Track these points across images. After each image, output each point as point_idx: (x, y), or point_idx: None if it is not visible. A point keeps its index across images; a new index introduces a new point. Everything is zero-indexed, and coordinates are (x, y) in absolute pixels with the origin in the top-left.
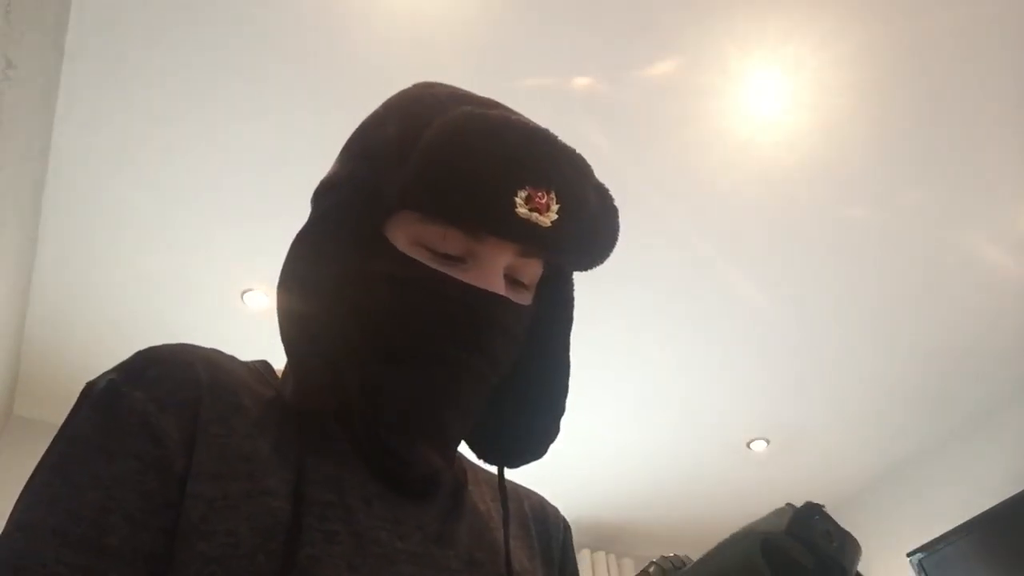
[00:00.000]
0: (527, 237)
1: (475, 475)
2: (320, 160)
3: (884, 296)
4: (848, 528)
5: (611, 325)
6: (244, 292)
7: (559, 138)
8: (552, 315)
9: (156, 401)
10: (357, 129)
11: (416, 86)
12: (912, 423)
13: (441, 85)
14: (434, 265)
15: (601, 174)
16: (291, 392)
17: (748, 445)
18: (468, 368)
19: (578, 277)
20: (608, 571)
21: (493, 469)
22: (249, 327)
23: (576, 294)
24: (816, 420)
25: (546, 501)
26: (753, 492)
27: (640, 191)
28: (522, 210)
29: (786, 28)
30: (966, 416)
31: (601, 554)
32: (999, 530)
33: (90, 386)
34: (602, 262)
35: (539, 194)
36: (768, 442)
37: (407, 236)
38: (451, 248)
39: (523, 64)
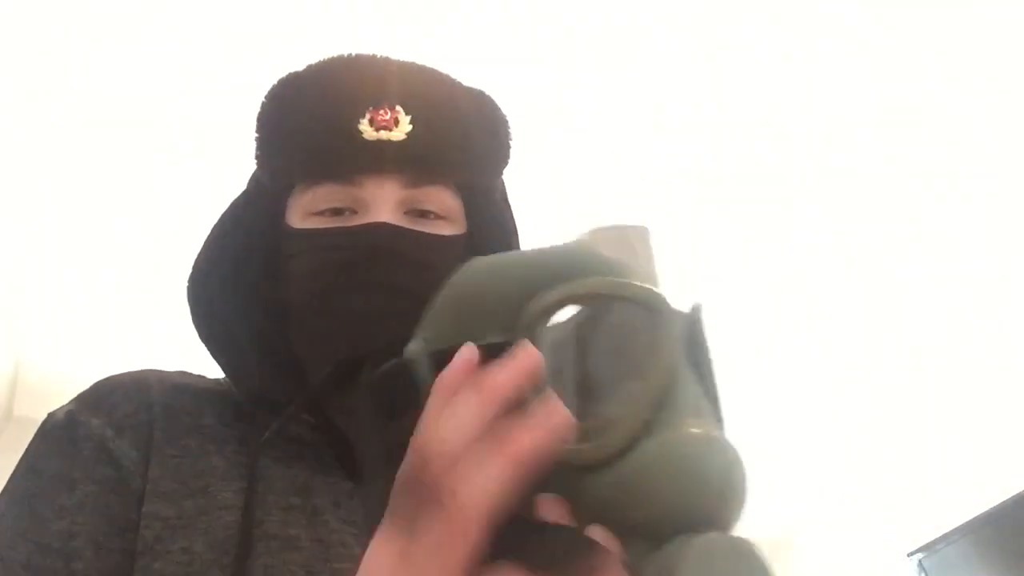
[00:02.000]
0: (386, 159)
1: None
2: None
3: (885, 294)
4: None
5: None
6: None
7: (395, 57)
8: (491, 237)
9: (113, 425)
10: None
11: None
12: (912, 423)
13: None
14: (325, 225)
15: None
16: (239, 392)
17: (748, 445)
18: (379, 310)
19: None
20: None
21: None
22: None
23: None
24: (816, 420)
25: None
26: (752, 492)
27: (608, 138)
28: (368, 133)
29: (787, 28)
30: (966, 415)
31: None
32: (999, 530)
33: (49, 417)
34: (497, 167)
35: (381, 112)
36: (767, 442)
37: (300, 212)
38: (336, 203)
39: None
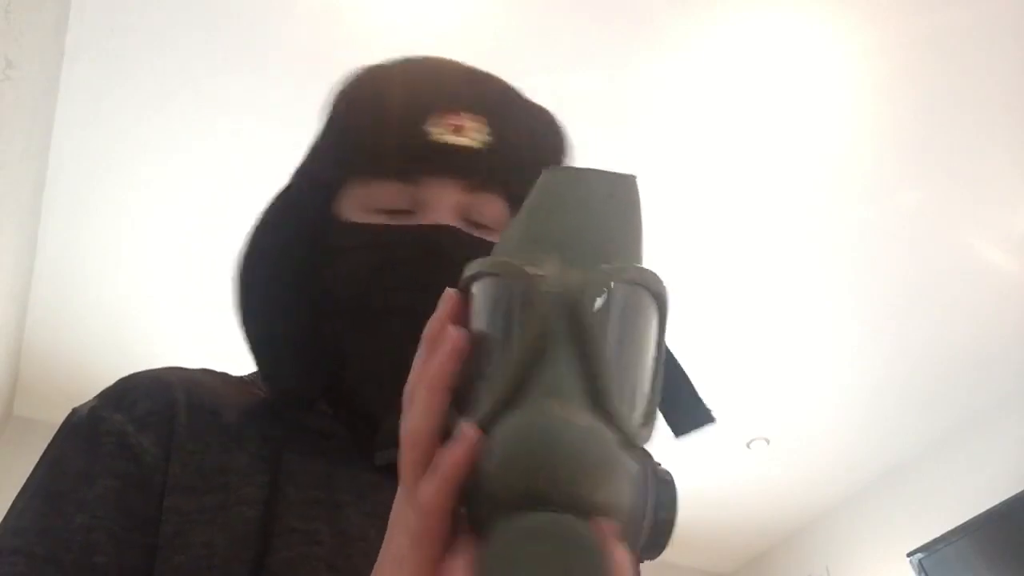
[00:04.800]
0: (452, 163)
1: None
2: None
3: (884, 296)
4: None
5: None
6: None
7: (469, 65)
8: None
9: (135, 421)
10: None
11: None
12: (912, 423)
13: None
14: (377, 222)
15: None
16: (270, 391)
17: (748, 445)
18: (425, 312)
19: None
20: None
21: None
22: None
23: None
24: (816, 420)
25: None
26: (753, 492)
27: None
28: (438, 136)
29: (787, 28)
30: (966, 416)
31: None
32: (999, 530)
33: (73, 413)
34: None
35: (453, 116)
36: (768, 442)
37: (355, 207)
38: (397, 203)
39: (523, 64)
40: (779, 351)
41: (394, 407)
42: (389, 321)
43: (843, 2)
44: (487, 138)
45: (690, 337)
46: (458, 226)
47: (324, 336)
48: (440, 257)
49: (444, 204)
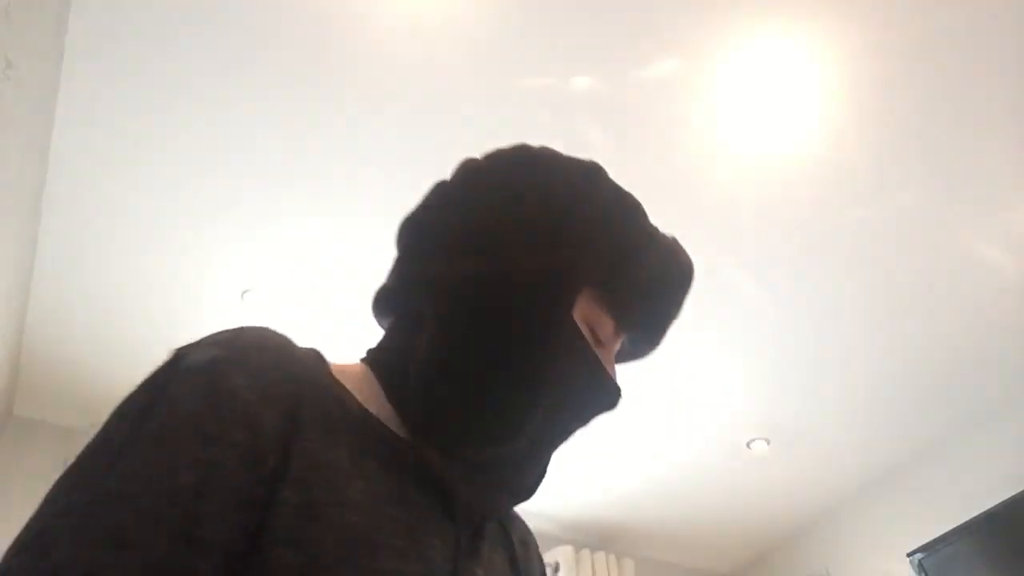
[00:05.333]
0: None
1: None
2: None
3: (884, 296)
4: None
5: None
6: (244, 292)
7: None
8: None
9: (259, 391)
10: (498, 216)
11: (528, 155)
12: (912, 423)
13: (553, 157)
14: (603, 360)
15: None
16: (420, 428)
17: (748, 445)
18: (566, 439)
19: None
20: (608, 571)
21: None
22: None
23: None
24: (816, 420)
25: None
26: (753, 492)
27: (639, 191)
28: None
29: (787, 28)
30: (966, 416)
31: (601, 554)
32: (999, 530)
33: (183, 355)
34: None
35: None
36: (768, 442)
37: (581, 311)
38: (605, 337)
39: (523, 64)
40: (779, 351)
41: (497, 506)
42: (547, 448)
43: (842, 2)
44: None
45: (690, 337)
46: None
47: (497, 408)
48: (608, 412)
49: (613, 354)
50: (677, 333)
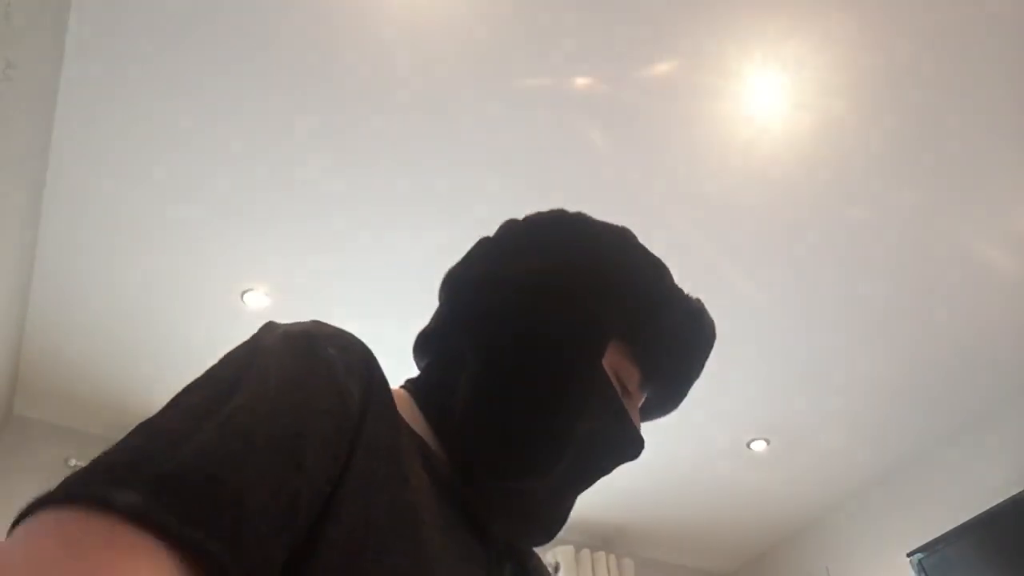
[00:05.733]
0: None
1: None
2: (320, 161)
3: (884, 296)
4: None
5: None
6: (244, 292)
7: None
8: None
9: (345, 364)
10: (538, 270)
11: (565, 217)
12: (912, 423)
13: (588, 219)
14: (631, 411)
15: (601, 175)
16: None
17: (748, 445)
18: (585, 488)
19: None
20: (608, 571)
21: None
22: (249, 327)
23: None
24: (816, 420)
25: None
26: (753, 492)
27: (639, 191)
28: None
29: (786, 28)
30: (966, 416)
31: (601, 554)
32: (999, 530)
33: (276, 326)
34: None
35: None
36: (768, 442)
37: (609, 362)
38: (630, 385)
39: (523, 64)
40: (779, 351)
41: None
42: (572, 488)
43: (843, 2)
44: None
45: None
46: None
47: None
48: (630, 461)
49: (638, 411)
50: None
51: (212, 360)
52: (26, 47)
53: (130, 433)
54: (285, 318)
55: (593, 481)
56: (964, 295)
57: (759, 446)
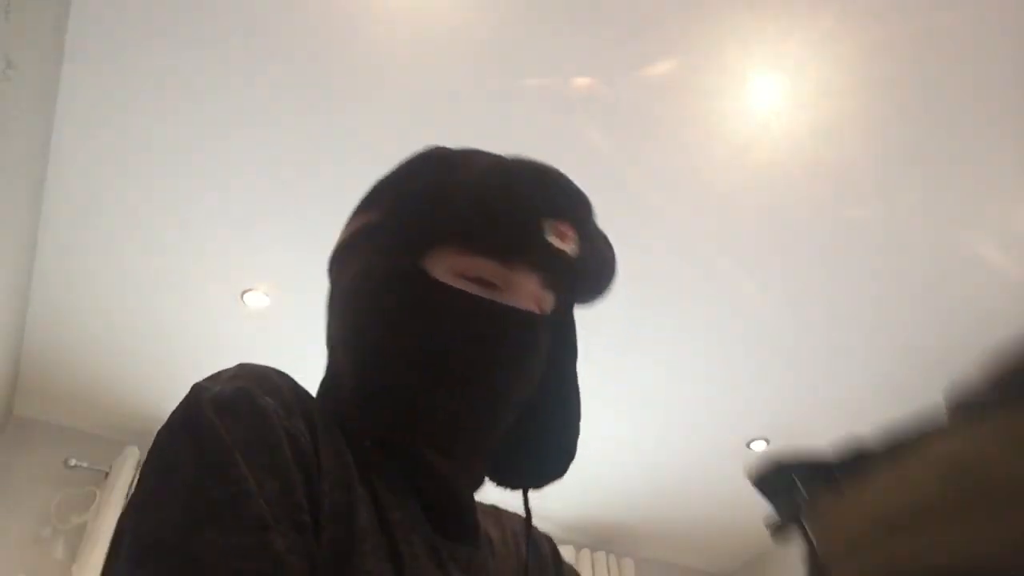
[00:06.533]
0: (554, 266)
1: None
2: (319, 160)
3: (884, 296)
4: None
5: (611, 325)
6: (244, 292)
7: (569, 177)
8: (563, 344)
9: (283, 407)
10: (381, 183)
11: (429, 147)
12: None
13: (451, 148)
14: (471, 291)
15: (601, 175)
16: (353, 417)
17: (748, 445)
18: (507, 388)
19: None
20: (608, 571)
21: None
22: (249, 327)
23: None
24: (816, 420)
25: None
26: (753, 492)
27: (639, 191)
28: (552, 239)
29: (787, 28)
30: None
31: (601, 554)
32: None
33: (204, 389)
34: (601, 299)
35: (563, 225)
36: (768, 442)
37: (447, 268)
38: (489, 276)
39: (523, 64)
40: (779, 351)
41: (458, 468)
42: (475, 390)
43: (843, 2)
44: (581, 252)
45: (690, 336)
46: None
47: (399, 384)
48: (525, 338)
49: (529, 293)
50: (677, 333)
51: (212, 360)
52: (26, 47)
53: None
54: (285, 318)
55: (507, 384)
56: (965, 295)
57: (759, 446)
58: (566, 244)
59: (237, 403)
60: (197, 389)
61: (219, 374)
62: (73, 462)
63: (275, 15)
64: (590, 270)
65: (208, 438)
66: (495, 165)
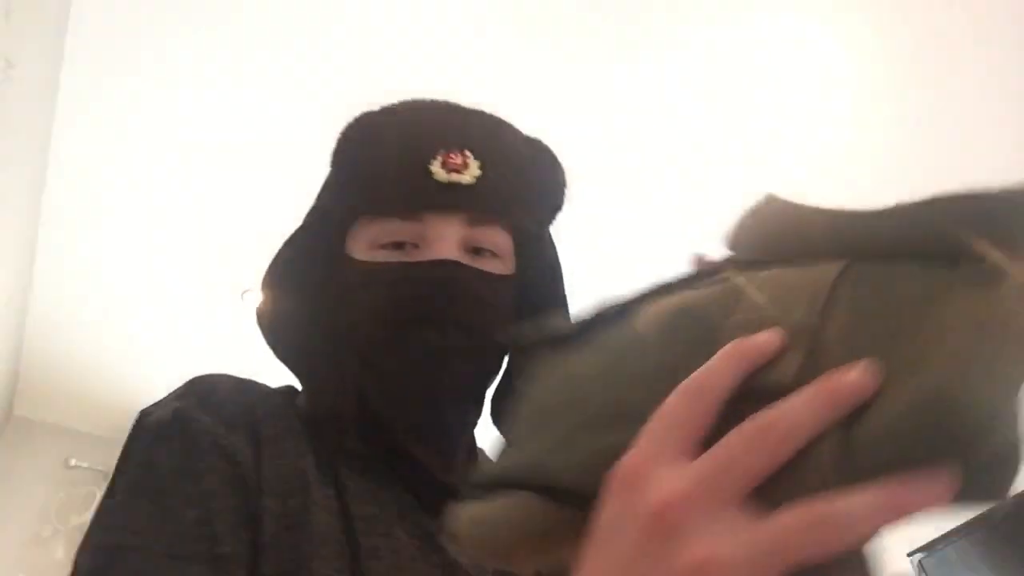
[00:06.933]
0: (455, 199)
1: None
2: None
3: None
4: None
5: None
6: (244, 292)
7: (462, 104)
8: (540, 279)
9: (224, 423)
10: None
11: (350, 120)
12: None
13: (371, 112)
14: (392, 259)
15: (600, 173)
16: (310, 406)
17: None
18: (447, 346)
19: (581, 281)
20: None
21: None
22: (249, 327)
23: (579, 291)
24: None
25: None
26: None
27: (638, 190)
28: (440, 174)
29: (788, 29)
30: None
31: None
32: (1000, 530)
33: (148, 414)
34: (555, 213)
35: (452, 155)
36: None
37: (363, 243)
38: (400, 237)
39: (523, 64)
40: None
41: (415, 435)
42: (404, 359)
43: (842, 1)
44: (479, 172)
45: None
46: (460, 259)
47: (347, 370)
48: (446, 290)
49: (447, 238)
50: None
51: (212, 360)
52: (26, 47)
53: None
54: None
55: (444, 331)
56: None
57: None
58: (461, 173)
59: (171, 429)
60: (140, 416)
61: (169, 394)
62: (73, 462)
63: (272, 16)
64: (505, 188)
65: (136, 470)
66: (389, 123)
